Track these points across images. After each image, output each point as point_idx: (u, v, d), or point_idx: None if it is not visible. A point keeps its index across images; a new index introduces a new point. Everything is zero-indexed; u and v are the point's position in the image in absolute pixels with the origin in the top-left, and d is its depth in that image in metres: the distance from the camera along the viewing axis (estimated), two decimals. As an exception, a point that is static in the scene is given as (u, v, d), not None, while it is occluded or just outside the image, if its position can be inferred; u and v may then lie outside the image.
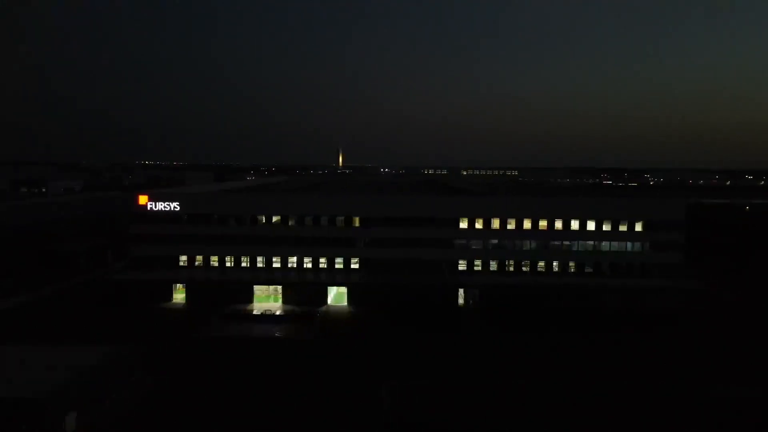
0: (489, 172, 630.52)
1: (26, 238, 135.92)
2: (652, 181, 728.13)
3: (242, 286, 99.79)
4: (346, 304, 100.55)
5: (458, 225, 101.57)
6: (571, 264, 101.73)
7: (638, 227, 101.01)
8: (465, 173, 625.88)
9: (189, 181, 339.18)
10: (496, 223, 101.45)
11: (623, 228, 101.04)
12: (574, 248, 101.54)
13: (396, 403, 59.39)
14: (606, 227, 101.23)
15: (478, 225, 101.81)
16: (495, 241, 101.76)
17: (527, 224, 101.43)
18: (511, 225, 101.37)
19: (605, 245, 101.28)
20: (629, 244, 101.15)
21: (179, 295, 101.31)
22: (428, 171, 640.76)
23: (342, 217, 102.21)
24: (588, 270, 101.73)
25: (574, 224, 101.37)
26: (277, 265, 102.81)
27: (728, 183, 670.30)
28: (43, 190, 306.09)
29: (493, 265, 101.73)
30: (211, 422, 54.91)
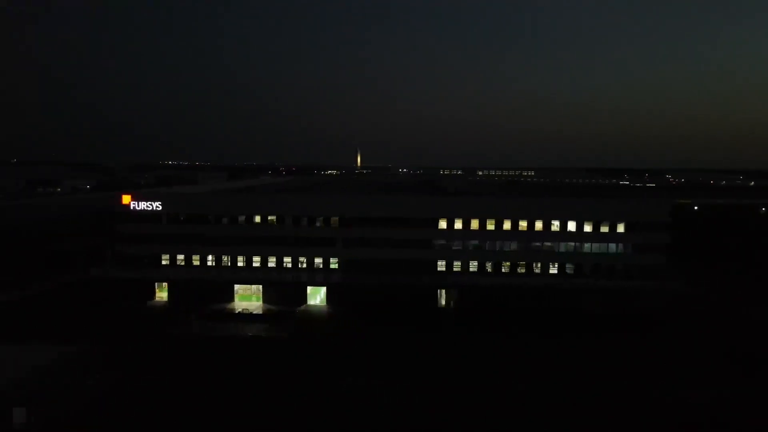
0: (505, 173, 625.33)
1: (24, 237, 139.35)
2: (674, 181, 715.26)
3: (223, 285, 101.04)
4: (325, 303, 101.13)
5: (437, 225, 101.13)
6: (552, 265, 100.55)
7: (621, 228, 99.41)
8: (480, 173, 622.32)
9: (201, 181, 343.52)
10: (474, 224, 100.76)
11: (605, 229, 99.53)
12: (555, 249, 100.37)
13: (348, 402, 59.57)
14: (588, 228, 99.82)
15: (458, 225, 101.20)
16: (474, 242, 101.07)
17: (507, 225, 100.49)
18: (491, 226, 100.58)
19: (587, 247, 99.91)
20: (612, 246, 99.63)
21: (162, 294, 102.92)
22: (443, 171, 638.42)
23: (321, 218, 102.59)
24: (569, 271, 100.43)
25: (555, 225, 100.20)
26: (257, 264, 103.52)
27: (752, 184, 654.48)
28: (58, 189, 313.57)
29: (473, 266, 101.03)
30: (170, 419, 55.56)
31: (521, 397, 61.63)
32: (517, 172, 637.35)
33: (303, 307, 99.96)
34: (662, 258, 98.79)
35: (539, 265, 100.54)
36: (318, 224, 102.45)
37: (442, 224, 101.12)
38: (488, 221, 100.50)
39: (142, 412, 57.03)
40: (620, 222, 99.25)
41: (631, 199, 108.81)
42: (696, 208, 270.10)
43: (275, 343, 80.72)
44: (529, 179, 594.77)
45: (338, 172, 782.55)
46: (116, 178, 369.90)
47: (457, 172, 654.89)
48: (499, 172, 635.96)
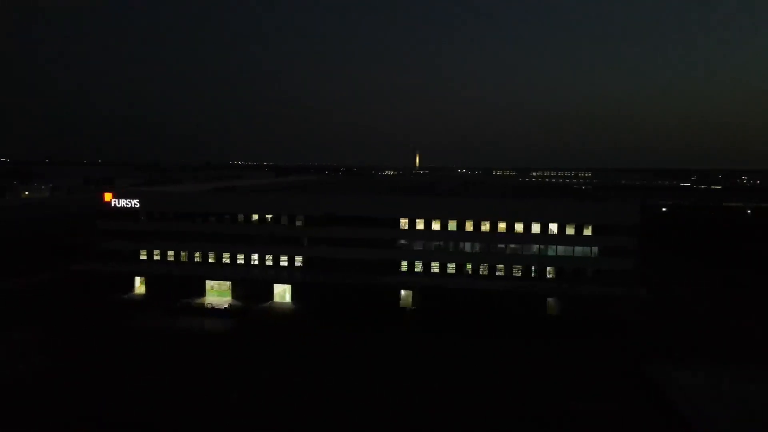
0: (560, 173, 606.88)
1: (48, 231, 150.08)
2: (749, 183, 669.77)
3: (195, 280, 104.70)
4: (290, 301, 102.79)
5: (398, 225, 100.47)
6: (516, 268, 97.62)
7: (587, 231, 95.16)
8: (535, 174, 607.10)
9: (246, 179, 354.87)
10: (436, 225, 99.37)
11: (571, 231, 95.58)
12: (519, 252, 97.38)
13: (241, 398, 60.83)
14: (553, 230, 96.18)
15: (419, 226, 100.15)
16: (437, 243, 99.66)
17: (469, 226, 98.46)
18: (452, 226, 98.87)
19: (552, 249, 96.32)
20: (578, 249, 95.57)
21: (141, 288, 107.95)
22: (496, 172, 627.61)
23: (285, 217, 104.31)
24: (534, 275, 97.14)
25: (519, 227, 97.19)
26: (227, 261, 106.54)
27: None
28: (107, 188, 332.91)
29: (435, 267, 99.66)
30: (85, 404, 58.57)
31: (443, 399, 60.86)
32: (573, 173, 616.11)
33: (267, 303, 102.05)
34: (631, 262, 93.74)
35: (502, 267, 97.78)
36: (284, 223, 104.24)
37: (404, 224, 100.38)
38: (450, 222, 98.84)
39: (57, 396, 60.40)
40: (587, 224, 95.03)
41: (598, 201, 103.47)
42: (664, 209, 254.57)
43: (214, 337, 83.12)
44: (583, 180, 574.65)
45: (395, 173, 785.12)
46: (167, 177, 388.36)
47: (510, 173, 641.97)
48: (553, 173, 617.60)
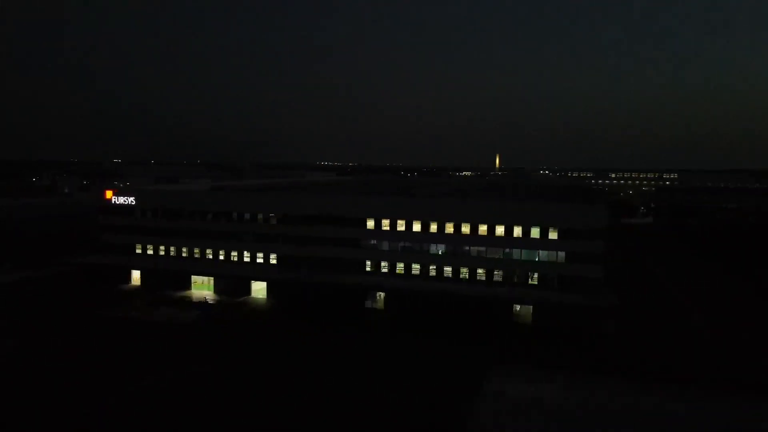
0: (642, 175, 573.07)
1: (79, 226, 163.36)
2: None
3: (181, 274, 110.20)
4: (265, 296, 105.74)
5: (364, 225, 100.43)
6: (481, 272, 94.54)
7: (553, 235, 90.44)
8: (613, 176, 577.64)
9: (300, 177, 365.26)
10: (401, 225, 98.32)
11: (535, 235, 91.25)
12: (484, 255, 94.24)
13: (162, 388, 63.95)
14: (517, 233, 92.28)
15: (385, 226, 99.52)
16: (402, 244, 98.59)
17: (433, 227, 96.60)
18: (417, 227, 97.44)
19: (516, 253, 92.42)
20: (543, 253, 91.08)
21: (138, 280, 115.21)
22: (571, 174, 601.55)
23: (260, 215, 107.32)
24: (498, 279, 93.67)
25: (483, 229, 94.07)
26: (210, 257, 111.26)
27: None
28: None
29: (400, 268, 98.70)
30: (40, 389, 63.19)
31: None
32: (657, 175, 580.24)
33: (243, 298, 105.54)
34: (597, 269, 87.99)
35: (467, 270, 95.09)
36: (260, 222, 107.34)
37: (370, 224, 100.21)
38: (414, 223, 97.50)
39: (22, 377, 66.13)
40: (552, 228, 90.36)
41: (565, 203, 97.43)
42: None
43: (173, 327, 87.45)
44: (669, 182, 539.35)
45: (472, 174, 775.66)
46: (236, 175, 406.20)
47: (587, 174, 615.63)
48: (633, 175, 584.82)
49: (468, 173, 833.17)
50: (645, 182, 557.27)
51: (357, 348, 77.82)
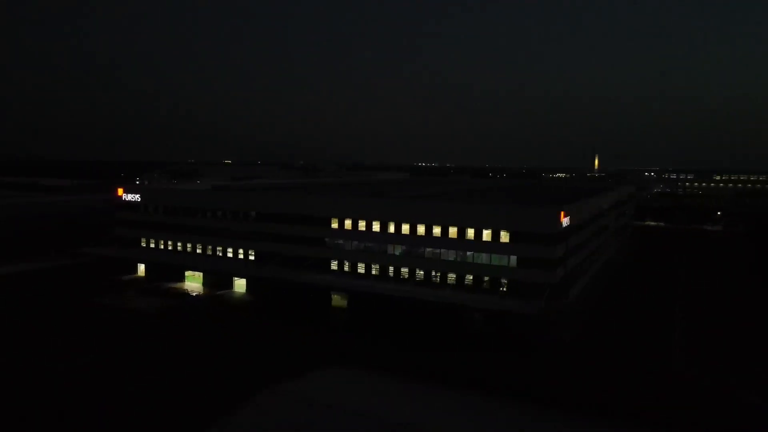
0: (743, 177, 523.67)
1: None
2: None
3: (175, 268, 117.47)
4: (245, 291, 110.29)
5: (330, 224, 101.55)
6: (435, 275, 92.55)
7: (505, 238, 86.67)
8: (718, 178, 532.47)
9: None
10: (362, 225, 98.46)
11: (487, 238, 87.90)
12: (438, 257, 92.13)
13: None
14: (470, 236, 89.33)
15: (347, 226, 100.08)
16: (363, 244, 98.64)
17: (392, 228, 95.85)
18: (377, 228, 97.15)
19: (469, 256, 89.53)
20: (495, 257, 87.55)
21: (143, 271, 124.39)
22: (668, 175, 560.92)
23: (241, 213, 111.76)
24: (451, 282, 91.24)
25: (436, 231, 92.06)
26: (200, 252, 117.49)
27: None
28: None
29: (361, 269, 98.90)
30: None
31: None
32: (756, 177, 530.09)
33: (224, 291, 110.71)
34: (551, 276, 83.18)
35: (421, 273, 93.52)
36: (238, 220, 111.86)
37: (334, 224, 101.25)
38: (374, 223, 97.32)
39: None
40: (504, 230, 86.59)
41: (516, 205, 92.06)
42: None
43: (148, 315, 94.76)
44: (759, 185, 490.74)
45: (567, 176, 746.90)
46: (312, 175, 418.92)
47: (686, 176, 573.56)
48: (734, 176, 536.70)
49: (562, 175, 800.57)
50: (750, 185, 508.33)
51: (284, 344, 79.69)
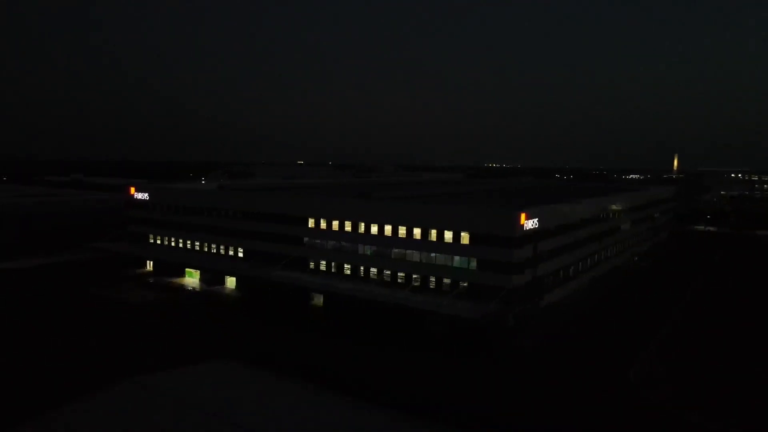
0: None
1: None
2: None
3: (176, 264, 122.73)
4: (234, 287, 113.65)
5: (307, 224, 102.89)
6: (400, 276, 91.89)
7: (465, 240, 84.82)
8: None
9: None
10: (335, 225, 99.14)
11: (449, 239, 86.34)
12: (403, 258, 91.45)
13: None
14: (432, 237, 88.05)
15: (322, 226, 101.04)
16: (338, 244, 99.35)
17: (361, 228, 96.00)
18: (348, 228, 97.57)
19: (433, 257, 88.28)
20: (456, 259, 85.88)
21: (151, 266, 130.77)
22: (733, 175, 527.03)
23: (231, 212, 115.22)
24: (415, 283, 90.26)
25: (402, 232, 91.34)
26: (198, 249, 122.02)
27: None
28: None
29: (335, 268, 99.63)
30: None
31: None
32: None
33: (215, 288, 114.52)
34: (509, 280, 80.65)
35: (389, 273, 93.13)
36: (227, 218, 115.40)
37: (311, 223, 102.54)
38: (346, 223, 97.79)
39: None
40: (464, 232, 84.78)
41: (477, 206, 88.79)
42: None
43: (137, 306, 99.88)
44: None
45: (641, 177, 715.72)
46: (358, 175, 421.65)
47: (760, 176, 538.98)
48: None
49: (636, 176, 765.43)
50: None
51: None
